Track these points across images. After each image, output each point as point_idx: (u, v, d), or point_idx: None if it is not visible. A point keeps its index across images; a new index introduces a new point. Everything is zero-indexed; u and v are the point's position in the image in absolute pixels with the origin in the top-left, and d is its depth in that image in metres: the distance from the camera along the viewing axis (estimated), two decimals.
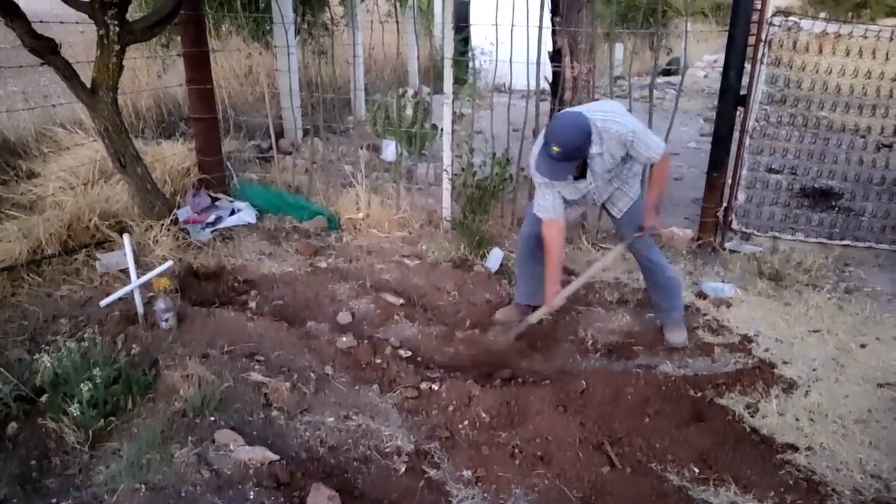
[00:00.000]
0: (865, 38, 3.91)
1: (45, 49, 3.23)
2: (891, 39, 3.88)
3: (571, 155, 2.76)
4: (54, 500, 2.11)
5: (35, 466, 2.26)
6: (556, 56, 4.63)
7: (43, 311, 3.18)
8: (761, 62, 4.03)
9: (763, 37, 3.97)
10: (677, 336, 3.26)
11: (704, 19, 16.18)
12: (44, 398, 2.47)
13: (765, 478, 2.31)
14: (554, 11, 4.36)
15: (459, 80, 4.51)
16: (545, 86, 7.56)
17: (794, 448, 2.48)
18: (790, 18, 3.95)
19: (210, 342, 2.91)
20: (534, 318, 3.23)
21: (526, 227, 3.37)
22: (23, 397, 2.51)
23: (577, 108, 2.99)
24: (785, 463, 2.40)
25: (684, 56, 5.99)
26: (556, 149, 2.72)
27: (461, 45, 8.61)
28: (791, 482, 2.29)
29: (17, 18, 3.11)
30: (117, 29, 3.33)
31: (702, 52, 15.23)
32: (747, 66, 4.11)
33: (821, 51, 3.96)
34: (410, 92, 6.43)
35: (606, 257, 3.33)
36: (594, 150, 2.84)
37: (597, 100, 4.15)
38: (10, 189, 4.38)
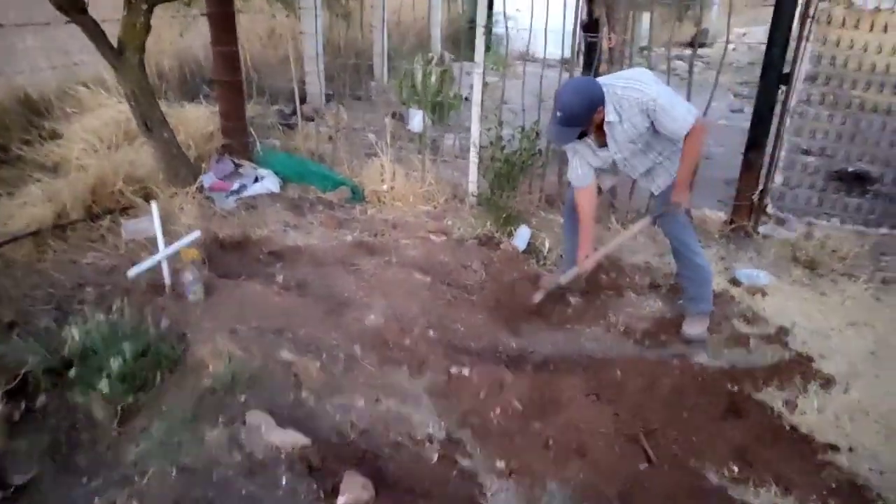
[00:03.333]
0: None
1: (73, 7, 3.13)
2: None
3: (572, 120, 2.77)
4: (84, 479, 2.09)
5: (65, 441, 2.24)
6: (591, 26, 4.47)
7: (69, 279, 3.14)
8: (807, 39, 3.86)
9: (811, 12, 3.80)
10: (693, 328, 3.15)
11: None
12: (72, 371, 2.43)
13: (806, 478, 2.26)
14: None
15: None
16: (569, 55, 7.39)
17: (836, 448, 2.42)
18: None
19: (238, 316, 2.86)
20: (563, 279, 3.30)
21: (568, 196, 3.39)
22: (51, 369, 2.48)
23: (608, 76, 2.97)
24: (826, 464, 2.34)
25: (727, 29, 5.77)
26: (559, 113, 2.76)
27: (486, 10, 8.40)
28: (834, 485, 2.24)
29: None
30: None
31: (733, 24, 14.81)
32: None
33: (857, 27, 3.79)
34: (435, 59, 6.28)
35: (634, 227, 3.28)
36: (611, 117, 2.81)
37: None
38: (34, 150, 4.33)
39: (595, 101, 2.76)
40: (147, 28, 3.40)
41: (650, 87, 2.76)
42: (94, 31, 3.28)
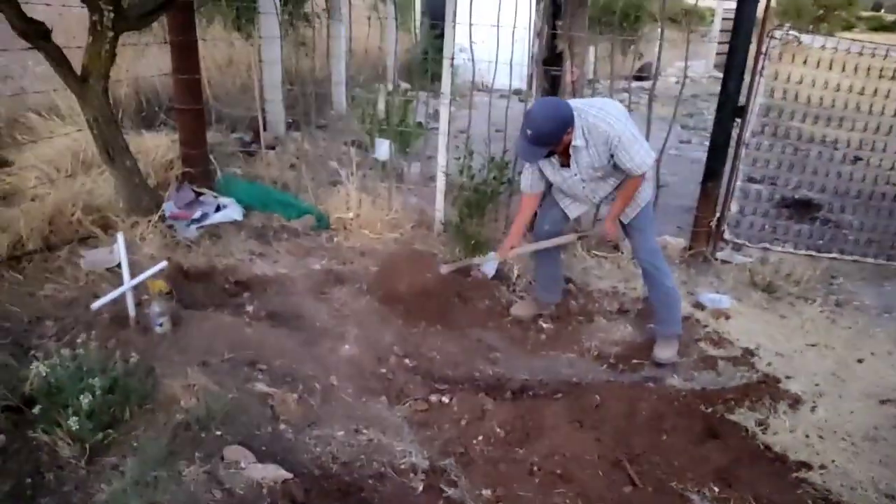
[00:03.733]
0: (861, 54, 3.98)
1: (37, 34, 3.04)
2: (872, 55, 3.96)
3: (541, 140, 2.85)
4: None
5: (28, 483, 2.11)
6: (553, 60, 4.58)
7: (26, 312, 2.99)
8: (760, 74, 4.05)
9: (763, 49, 4.00)
10: (664, 352, 3.23)
11: (675, 25, 16.43)
12: (36, 409, 2.31)
13: (784, 496, 2.31)
14: (556, 15, 4.31)
15: (436, 77, 4.48)
16: (524, 86, 7.52)
17: (808, 466, 2.48)
18: (790, 32, 3.98)
19: (208, 348, 2.78)
20: (476, 260, 3.67)
21: (540, 223, 3.47)
22: (10, 407, 2.35)
23: (581, 100, 3.08)
24: (801, 481, 2.40)
25: (658, 60, 6.00)
26: (528, 131, 2.84)
27: (438, 41, 8.53)
28: (810, 501, 2.30)
29: (5, 1, 2.91)
30: (112, 15, 3.15)
31: (672, 58, 15.44)
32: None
33: (805, 63, 4.02)
34: (389, 87, 6.31)
35: (560, 238, 3.40)
36: (578, 142, 2.90)
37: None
38: None
39: (566, 123, 2.85)
40: (112, 56, 3.32)
41: (618, 122, 2.87)
42: (58, 59, 3.19)
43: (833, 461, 2.52)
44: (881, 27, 23.23)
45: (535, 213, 3.49)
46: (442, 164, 4.42)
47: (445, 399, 2.71)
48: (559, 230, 3.40)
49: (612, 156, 2.93)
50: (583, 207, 3.37)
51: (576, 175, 3.06)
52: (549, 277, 3.57)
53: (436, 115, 5.05)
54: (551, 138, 2.86)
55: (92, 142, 3.79)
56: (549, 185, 3.29)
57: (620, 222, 3.27)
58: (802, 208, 4.41)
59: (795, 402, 2.88)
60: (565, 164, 3.05)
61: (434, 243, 4.30)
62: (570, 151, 2.96)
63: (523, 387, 2.94)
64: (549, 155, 3.02)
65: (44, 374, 2.34)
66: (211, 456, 2.19)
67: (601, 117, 2.87)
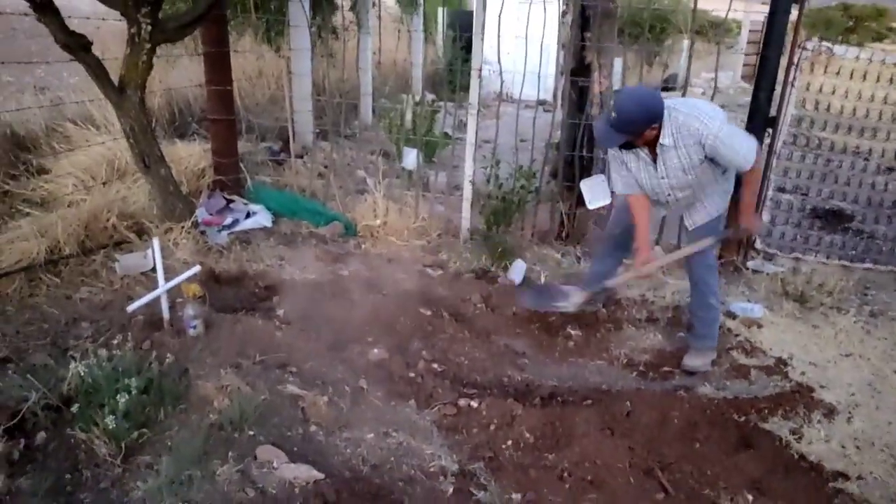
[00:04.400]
0: (895, 65, 3.93)
1: (79, 46, 3.13)
2: None
3: (626, 126, 2.73)
4: None
5: (67, 480, 2.15)
6: (581, 71, 4.59)
7: (63, 314, 3.07)
8: (792, 85, 4.02)
9: (795, 60, 3.97)
10: (694, 360, 3.18)
11: (701, 37, 16.35)
12: (74, 408, 2.35)
13: None
14: (584, 27, 4.33)
15: (461, 88, 4.52)
16: (549, 97, 7.53)
17: (845, 476, 2.44)
18: (823, 44, 3.95)
19: (240, 351, 2.81)
20: (612, 282, 3.35)
21: (611, 227, 3.43)
22: (50, 406, 2.40)
23: (674, 99, 2.92)
24: (838, 492, 2.36)
25: (688, 72, 5.98)
26: (613, 114, 2.72)
27: (463, 53, 8.58)
28: None
29: (51, 14, 3.01)
30: (149, 27, 3.23)
31: (699, 69, 15.36)
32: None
33: (837, 74, 3.98)
34: (416, 98, 6.37)
35: (700, 243, 3.11)
36: (666, 141, 2.78)
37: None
38: (21, 185, 4.25)
39: (653, 116, 2.73)
40: (149, 67, 3.41)
41: (714, 121, 2.73)
42: (98, 70, 3.28)
43: (871, 472, 2.47)
44: None
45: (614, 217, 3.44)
46: (468, 174, 4.44)
47: (474, 404, 2.71)
48: (631, 238, 3.23)
49: (705, 157, 2.80)
50: (655, 212, 3.26)
51: (663, 178, 2.92)
52: (600, 275, 3.44)
53: (461, 126, 5.08)
54: (634, 126, 2.73)
55: (126, 150, 3.89)
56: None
57: (686, 229, 3.22)
58: (834, 218, 4.35)
59: (830, 413, 2.83)
60: (653, 161, 2.92)
61: (461, 251, 4.31)
62: (658, 150, 2.84)
63: (552, 393, 2.92)
64: (629, 147, 2.90)
65: (81, 374, 2.40)
66: (244, 456, 2.22)
67: (694, 115, 2.74)
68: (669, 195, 3.00)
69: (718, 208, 3.07)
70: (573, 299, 3.36)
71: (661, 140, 2.79)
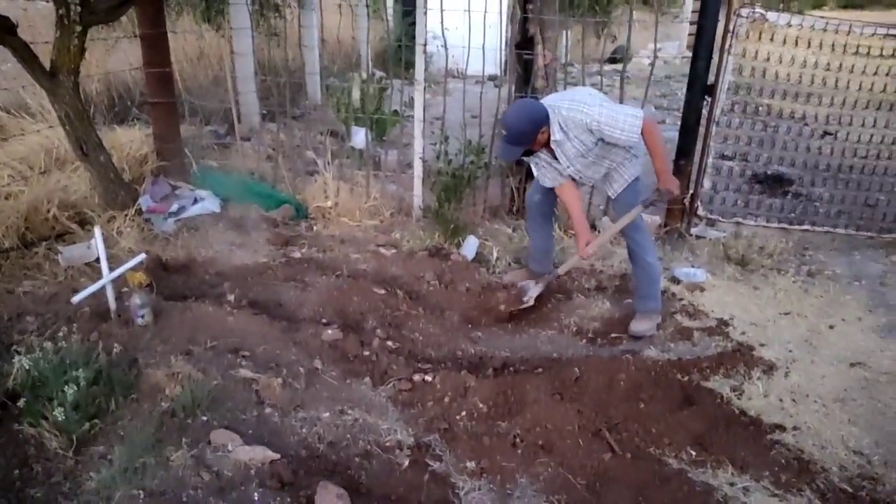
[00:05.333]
0: (825, 30, 4.06)
1: (2, 28, 3.01)
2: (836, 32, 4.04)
3: (517, 139, 3.01)
4: None
5: (17, 476, 2.12)
6: (525, 44, 4.61)
7: (6, 309, 2.98)
8: (729, 52, 4.12)
9: (731, 28, 4.06)
10: (640, 325, 3.30)
11: (647, 8, 16.51)
12: (20, 402, 2.32)
13: (758, 458, 2.39)
14: (526, 0, 4.34)
15: (410, 65, 4.51)
16: (497, 72, 7.56)
17: (782, 428, 2.57)
18: (756, 10, 4.05)
19: (191, 338, 2.80)
20: (562, 269, 3.51)
21: (531, 194, 3.58)
22: None
23: (553, 96, 3.22)
24: (775, 443, 2.48)
25: (628, 42, 6.06)
26: (504, 132, 3.01)
27: (411, 29, 8.52)
28: (783, 461, 2.38)
29: None
30: (79, 9, 3.13)
31: (646, 40, 15.52)
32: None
33: (772, 40, 4.10)
34: (364, 76, 6.32)
35: (630, 213, 3.26)
36: (557, 136, 3.01)
37: (574, 86, 4.18)
38: None
39: (538, 123, 2.98)
40: (81, 50, 3.30)
41: (592, 108, 2.96)
42: (26, 54, 3.16)
43: (805, 423, 2.61)
44: (850, 4, 23.55)
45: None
46: (419, 151, 4.44)
47: (429, 378, 2.75)
48: (552, 200, 3.50)
49: (599, 140, 3.04)
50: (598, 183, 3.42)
51: (568, 167, 3.16)
52: (541, 250, 3.66)
53: (411, 103, 5.07)
54: (525, 138, 3.00)
55: (64, 138, 3.77)
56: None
57: (609, 198, 3.36)
58: (774, 183, 4.50)
59: (769, 369, 2.96)
60: (554, 157, 3.15)
61: (414, 229, 4.33)
62: (553, 146, 3.07)
63: (505, 364, 2.99)
64: (530, 154, 3.16)
65: (27, 368, 2.35)
66: (198, 441, 2.22)
67: (574, 108, 2.98)
68: (581, 177, 3.24)
69: (632, 173, 3.25)
70: (531, 293, 3.45)
71: (553, 137, 3.02)
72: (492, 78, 8.48)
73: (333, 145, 5.32)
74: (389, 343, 3.05)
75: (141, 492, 2.00)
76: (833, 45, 4.12)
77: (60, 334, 2.57)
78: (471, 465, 2.32)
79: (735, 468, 2.33)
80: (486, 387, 2.67)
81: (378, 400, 2.65)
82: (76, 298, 2.75)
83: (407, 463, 2.30)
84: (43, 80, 3.28)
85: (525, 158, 3.29)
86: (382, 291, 3.45)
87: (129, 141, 4.65)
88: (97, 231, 2.88)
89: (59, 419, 2.18)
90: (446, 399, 2.64)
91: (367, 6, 5.46)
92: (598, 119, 2.95)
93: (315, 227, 4.38)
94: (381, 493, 2.17)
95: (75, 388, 2.24)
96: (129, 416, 2.35)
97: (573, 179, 3.26)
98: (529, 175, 4.46)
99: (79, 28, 3.20)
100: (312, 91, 7.45)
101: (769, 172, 4.44)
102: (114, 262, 3.04)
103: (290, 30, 5.79)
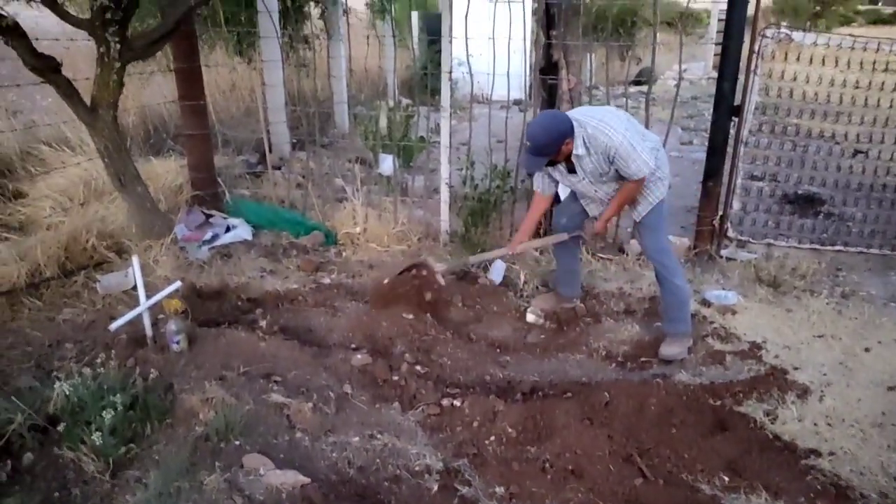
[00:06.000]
0: (853, 48, 4.04)
1: (47, 68, 3.15)
2: (864, 49, 4.01)
3: (541, 150, 3.03)
4: None
5: (56, 498, 2.18)
6: (549, 69, 4.66)
7: (46, 336, 3.09)
8: (754, 73, 4.11)
9: (756, 48, 4.06)
10: (670, 349, 3.27)
11: (671, 29, 16.51)
12: (60, 427, 2.38)
13: (793, 483, 2.34)
14: (550, 25, 4.40)
15: (436, 92, 4.60)
16: (521, 97, 7.62)
17: (817, 453, 2.52)
18: (782, 31, 4.05)
19: (224, 364, 2.85)
20: (476, 259, 3.77)
21: (557, 217, 3.64)
22: (36, 426, 2.42)
23: (582, 109, 3.26)
24: (810, 468, 2.43)
25: (653, 65, 6.08)
26: (528, 143, 3.04)
27: (437, 56, 8.66)
28: (819, 487, 2.33)
29: (19, 38, 3.03)
30: (118, 46, 3.26)
31: (670, 61, 15.51)
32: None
33: (798, 60, 4.09)
34: (391, 103, 6.43)
35: (553, 237, 3.55)
36: (580, 151, 3.04)
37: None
38: None
39: (563, 135, 2.99)
40: (120, 85, 3.44)
41: (616, 133, 2.97)
42: (68, 90, 3.31)
43: (842, 448, 2.55)
44: (879, 20, 23.27)
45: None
46: (445, 176, 4.50)
47: (457, 403, 2.76)
48: (577, 224, 3.51)
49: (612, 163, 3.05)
50: (601, 207, 3.42)
51: (583, 180, 3.19)
52: (568, 273, 3.67)
53: (437, 129, 5.14)
54: (549, 149, 3.01)
55: (102, 170, 3.91)
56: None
57: (635, 221, 3.36)
58: (805, 203, 4.46)
59: (803, 393, 2.91)
60: (572, 170, 3.18)
61: (441, 253, 4.37)
62: (574, 160, 3.10)
63: (533, 388, 2.98)
64: (551, 164, 3.16)
65: (66, 394, 2.43)
66: (231, 465, 2.26)
67: (600, 129, 2.99)
68: (598, 193, 3.27)
69: (658, 196, 3.24)
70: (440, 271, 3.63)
71: (574, 151, 3.05)
72: (517, 103, 8.56)
73: (362, 172, 5.41)
74: (418, 368, 3.07)
75: None
76: (862, 62, 4.09)
77: (98, 360, 2.64)
78: (500, 490, 2.32)
79: (769, 494, 2.29)
80: (514, 411, 2.66)
81: (407, 424, 2.66)
82: (114, 325, 2.83)
83: (436, 488, 2.31)
84: (83, 115, 3.41)
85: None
86: (410, 316, 3.47)
87: (164, 172, 4.79)
88: (135, 260, 2.96)
89: (97, 443, 2.24)
90: (475, 424, 2.64)
91: (394, 36, 5.55)
92: (618, 149, 2.96)
93: (344, 253, 4.44)
94: None
95: (112, 412, 2.30)
96: (164, 440, 2.40)
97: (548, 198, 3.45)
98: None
99: (118, 64, 3.33)
100: (341, 120, 7.60)
101: (800, 192, 4.40)
102: (150, 290, 3.13)
103: (318, 60, 5.91)
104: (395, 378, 2.95)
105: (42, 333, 3.11)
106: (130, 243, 3.91)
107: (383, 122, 5.80)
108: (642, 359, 3.26)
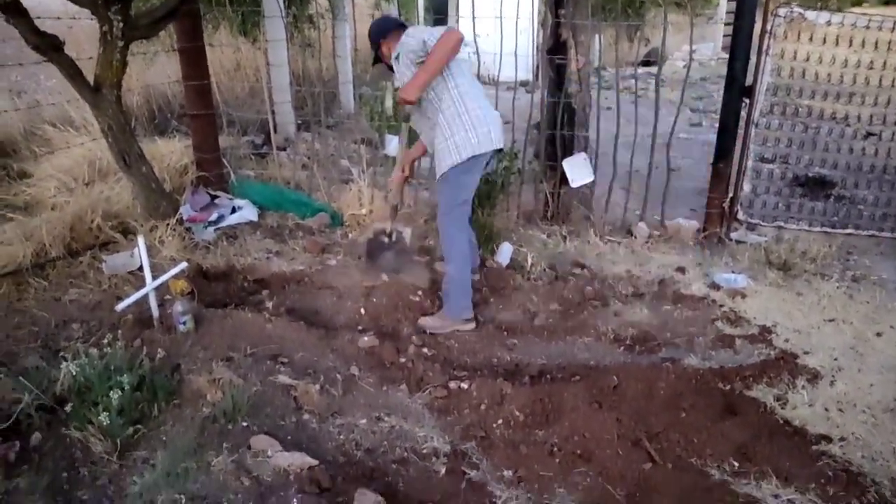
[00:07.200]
0: (868, 28, 3.96)
1: (49, 47, 3.11)
2: (879, 29, 3.94)
3: (371, 38, 3.32)
4: None
5: (64, 478, 2.18)
6: (557, 49, 4.59)
7: (53, 317, 3.08)
8: (766, 53, 4.05)
9: (768, 28, 3.99)
10: (428, 320, 3.29)
11: (681, 10, 16.30)
12: (67, 407, 2.38)
13: (803, 469, 2.32)
14: (558, 4, 4.33)
15: None
16: (529, 78, 7.53)
17: (828, 439, 2.49)
18: (795, 9, 3.97)
19: (231, 345, 2.84)
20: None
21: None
22: (43, 406, 2.42)
23: (422, 27, 3.34)
24: (821, 454, 2.41)
25: (663, 46, 6.00)
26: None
27: None
28: (830, 473, 2.31)
29: (20, 16, 2.99)
30: (121, 25, 3.22)
31: (679, 42, 15.32)
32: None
33: (811, 40, 4.01)
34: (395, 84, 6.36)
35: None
36: (392, 60, 3.19)
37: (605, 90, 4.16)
38: (3, 190, 4.25)
39: (379, 33, 3.28)
40: (124, 65, 3.40)
41: (408, 38, 3.06)
42: (72, 70, 3.27)
43: (853, 433, 2.53)
44: (892, 1, 22.91)
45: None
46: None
47: (465, 385, 2.75)
48: None
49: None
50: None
51: (396, 86, 3.28)
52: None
53: None
54: (371, 37, 3.31)
55: (107, 150, 3.87)
56: None
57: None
58: (816, 185, 4.40)
59: (814, 377, 2.88)
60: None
61: None
62: (393, 63, 3.22)
63: (541, 371, 2.97)
64: (379, 61, 3.40)
65: (73, 374, 2.42)
66: (238, 446, 2.25)
67: (408, 34, 3.09)
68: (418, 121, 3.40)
69: (449, 163, 3.22)
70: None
71: (393, 54, 3.17)
72: (524, 84, 8.49)
73: (367, 153, 5.37)
74: (425, 350, 3.06)
75: (182, 496, 2.03)
76: (876, 42, 4.01)
77: (105, 341, 2.63)
78: (508, 473, 2.31)
79: (779, 480, 2.27)
80: (522, 394, 2.65)
81: (414, 407, 2.65)
82: (120, 306, 2.82)
83: (444, 470, 2.30)
84: (87, 95, 3.38)
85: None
86: (417, 298, 3.45)
87: (169, 152, 4.76)
88: (140, 240, 2.94)
89: (104, 424, 2.23)
90: (482, 406, 2.63)
91: (400, 15, 5.49)
92: (399, 49, 3.09)
93: (350, 235, 4.41)
94: (418, 500, 2.17)
95: (119, 393, 2.29)
96: (171, 421, 2.39)
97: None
98: (564, 180, 4.44)
99: (121, 43, 3.29)
100: (346, 100, 7.54)
101: (811, 175, 4.34)
102: (156, 271, 3.11)
103: (323, 40, 5.86)
104: (402, 360, 2.94)
105: (48, 314, 3.10)
106: (136, 224, 3.89)
107: (389, 103, 5.74)
108: (651, 342, 3.23)
